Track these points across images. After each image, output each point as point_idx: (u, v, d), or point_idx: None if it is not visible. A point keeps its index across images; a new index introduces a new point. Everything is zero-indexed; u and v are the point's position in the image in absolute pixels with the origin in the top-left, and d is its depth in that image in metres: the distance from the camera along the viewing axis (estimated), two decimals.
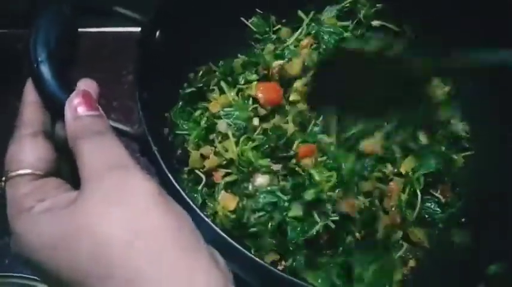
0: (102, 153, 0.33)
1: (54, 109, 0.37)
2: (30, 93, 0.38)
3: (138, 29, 0.50)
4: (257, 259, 0.39)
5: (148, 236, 0.30)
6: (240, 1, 0.65)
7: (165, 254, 0.30)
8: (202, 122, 0.61)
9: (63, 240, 0.30)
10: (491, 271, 0.50)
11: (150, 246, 0.30)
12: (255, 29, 0.68)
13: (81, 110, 0.35)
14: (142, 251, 0.30)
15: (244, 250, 0.39)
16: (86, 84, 0.38)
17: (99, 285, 0.29)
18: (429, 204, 0.60)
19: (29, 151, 0.35)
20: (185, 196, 0.40)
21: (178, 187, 0.40)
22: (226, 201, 0.56)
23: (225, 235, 0.39)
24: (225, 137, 0.59)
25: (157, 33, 0.52)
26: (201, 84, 0.63)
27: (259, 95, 0.61)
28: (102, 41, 0.65)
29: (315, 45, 0.66)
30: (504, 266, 0.50)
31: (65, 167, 0.39)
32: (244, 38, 0.69)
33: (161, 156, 0.43)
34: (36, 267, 0.31)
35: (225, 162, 0.59)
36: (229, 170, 0.59)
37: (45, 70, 0.37)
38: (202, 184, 0.59)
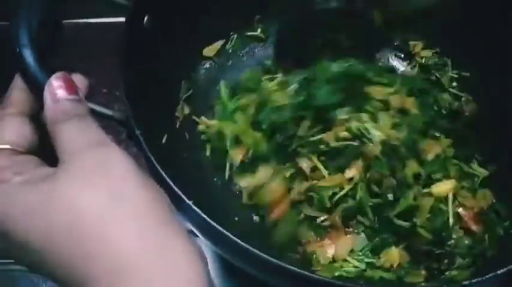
0: (81, 133, 0.34)
1: (37, 92, 0.38)
2: (18, 78, 0.39)
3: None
4: (240, 242, 0.39)
5: (125, 205, 0.31)
6: None
7: (142, 223, 0.31)
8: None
9: (40, 209, 0.31)
10: None
11: (127, 214, 0.31)
12: None
13: (61, 93, 0.35)
14: (118, 220, 0.30)
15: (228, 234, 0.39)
16: (74, 78, 0.38)
17: (75, 256, 0.30)
18: None
19: (10, 128, 0.36)
20: (169, 181, 0.41)
21: (164, 175, 0.41)
22: None
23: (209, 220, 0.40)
24: None
25: (145, 18, 0.53)
26: None
27: None
28: (85, 32, 0.66)
29: None
30: None
31: (49, 152, 0.39)
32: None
33: (145, 139, 0.44)
34: (10, 240, 0.32)
35: None
36: None
37: (27, 54, 0.38)
38: None
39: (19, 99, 0.38)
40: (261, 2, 0.68)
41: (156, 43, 0.54)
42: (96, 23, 0.72)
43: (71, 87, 0.36)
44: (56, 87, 0.36)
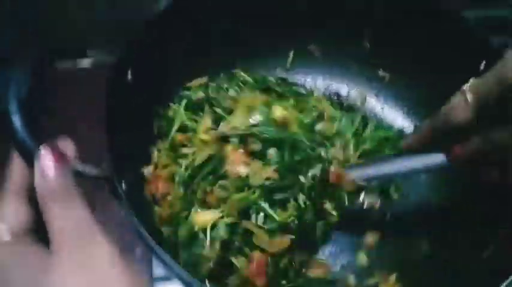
0: (69, 221, 0.37)
1: (27, 160, 0.39)
2: None
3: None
4: None
5: None
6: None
7: None
8: None
9: None
10: None
11: None
12: None
13: (49, 170, 0.37)
14: None
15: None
16: (62, 144, 0.40)
17: None
18: None
19: (8, 208, 0.38)
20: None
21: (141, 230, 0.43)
22: None
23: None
24: None
25: (129, 72, 0.54)
26: None
27: None
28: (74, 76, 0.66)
29: None
30: None
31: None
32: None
33: (127, 196, 0.46)
34: None
35: None
36: None
37: (16, 121, 0.39)
38: None
39: (18, 173, 0.39)
40: None
41: (139, 95, 0.55)
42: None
43: (58, 159, 0.38)
44: (44, 162, 0.37)
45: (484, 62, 0.59)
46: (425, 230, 0.61)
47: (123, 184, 0.46)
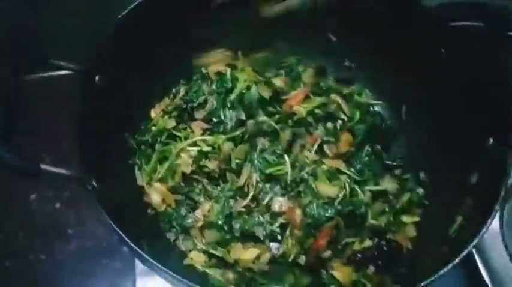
0: None
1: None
2: None
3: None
4: None
5: None
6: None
7: None
8: None
9: None
10: None
11: None
12: None
13: None
14: None
15: None
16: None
17: None
18: None
19: None
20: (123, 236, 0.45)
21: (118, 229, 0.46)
22: None
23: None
24: None
25: (97, 79, 0.57)
26: None
27: None
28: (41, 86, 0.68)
29: None
30: None
31: None
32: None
33: (99, 193, 0.48)
34: None
35: None
36: None
37: None
38: None
39: None
40: None
41: (108, 101, 0.58)
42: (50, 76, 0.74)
43: None
44: None
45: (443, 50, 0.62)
46: None
47: (93, 183, 0.49)
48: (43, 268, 0.65)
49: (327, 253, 0.59)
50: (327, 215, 0.59)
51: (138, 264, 0.63)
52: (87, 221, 0.68)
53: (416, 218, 0.62)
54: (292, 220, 0.59)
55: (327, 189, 0.60)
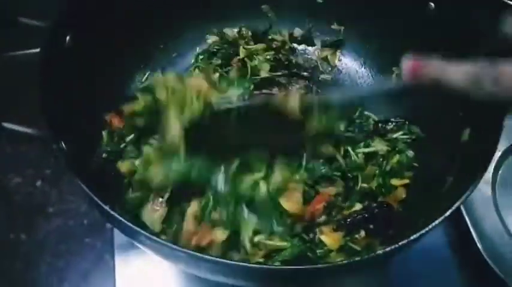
0: None
1: None
2: None
3: None
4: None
5: None
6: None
7: None
8: None
9: None
10: None
11: None
12: None
13: None
14: None
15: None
16: None
17: None
18: None
19: None
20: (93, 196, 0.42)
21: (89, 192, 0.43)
22: None
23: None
24: None
25: (67, 39, 0.54)
26: None
27: None
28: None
29: None
30: None
31: None
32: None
33: (68, 154, 0.46)
34: None
35: None
36: None
37: None
38: None
39: None
40: None
41: (79, 63, 0.55)
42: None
43: None
44: None
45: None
46: None
47: (62, 144, 0.46)
48: (24, 248, 0.63)
49: (322, 218, 0.57)
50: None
51: (117, 241, 0.61)
52: (68, 199, 0.67)
53: (406, 181, 0.59)
54: None
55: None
